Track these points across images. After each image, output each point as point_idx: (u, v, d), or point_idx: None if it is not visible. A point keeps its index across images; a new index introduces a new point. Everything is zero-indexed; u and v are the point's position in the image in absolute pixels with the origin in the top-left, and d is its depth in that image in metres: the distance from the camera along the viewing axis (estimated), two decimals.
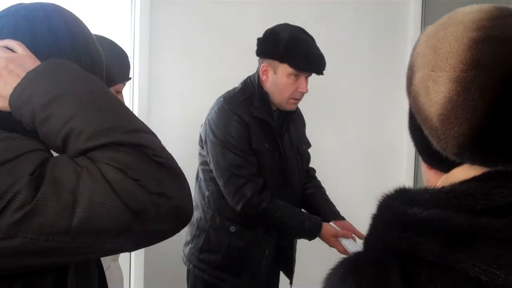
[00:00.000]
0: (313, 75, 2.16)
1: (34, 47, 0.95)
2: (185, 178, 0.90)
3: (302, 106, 3.15)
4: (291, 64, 2.07)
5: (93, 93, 0.90)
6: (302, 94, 2.14)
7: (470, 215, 0.66)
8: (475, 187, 0.68)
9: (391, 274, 0.67)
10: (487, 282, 0.63)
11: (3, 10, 1.00)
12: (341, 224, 2.18)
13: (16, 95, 0.89)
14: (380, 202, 0.76)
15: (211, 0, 2.92)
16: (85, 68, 0.99)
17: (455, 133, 0.68)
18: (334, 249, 2.12)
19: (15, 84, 0.89)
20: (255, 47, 3.02)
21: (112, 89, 1.55)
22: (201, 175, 2.23)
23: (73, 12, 1.07)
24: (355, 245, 2.04)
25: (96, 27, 1.57)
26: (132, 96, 2.82)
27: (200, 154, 2.20)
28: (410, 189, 0.74)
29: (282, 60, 2.08)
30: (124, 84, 1.62)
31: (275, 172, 2.15)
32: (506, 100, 0.65)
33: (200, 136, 2.19)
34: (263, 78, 2.15)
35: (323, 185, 2.48)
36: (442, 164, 0.74)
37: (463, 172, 0.71)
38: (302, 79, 2.11)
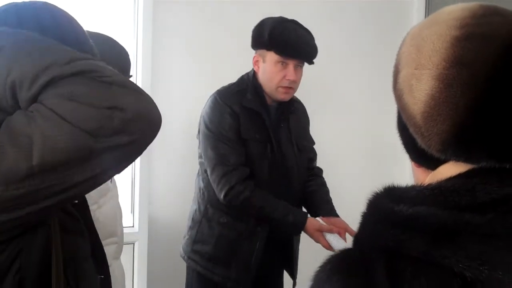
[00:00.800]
0: (312, 69, 2.17)
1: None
2: (140, 90, 0.90)
3: (306, 104, 3.18)
4: (277, 51, 2.08)
5: (23, 42, 0.89)
6: (291, 82, 2.12)
7: (455, 211, 0.66)
8: (460, 184, 0.68)
9: (376, 271, 0.67)
10: (471, 278, 0.63)
11: None
12: (333, 221, 2.16)
13: None
14: (369, 200, 0.77)
15: None
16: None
17: (438, 130, 0.68)
18: None
19: None
20: None
21: None
22: (199, 168, 2.25)
23: (64, 9, 1.07)
24: (340, 241, 2.02)
25: (99, 25, 1.59)
26: None
27: (198, 148, 2.23)
28: (399, 187, 0.75)
29: (268, 48, 2.10)
30: None
31: (266, 164, 2.15)
32: (488, 97, 0.65)
33: (198, 130, 2.22)
34: (255, 68, 2.19)
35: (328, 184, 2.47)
36: (428, 161, 0.75)
37: (449, 169, 0.72)
38: (290, 66, 2.11)
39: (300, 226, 2.09)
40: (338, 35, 3.27)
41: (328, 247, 2.01)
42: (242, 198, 2.05)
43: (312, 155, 2.47)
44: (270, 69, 2.12)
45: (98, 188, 0.99)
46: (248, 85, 2.18)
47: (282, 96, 2.16)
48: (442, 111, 0.68)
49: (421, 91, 0.70)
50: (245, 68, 2.99)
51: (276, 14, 3.04)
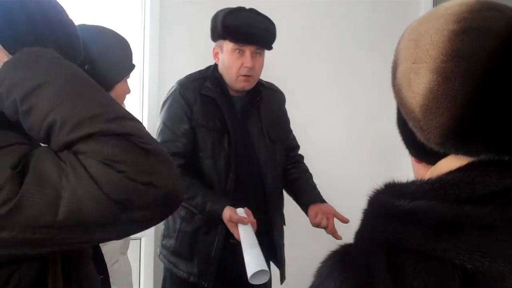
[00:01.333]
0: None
1: (14, 39, 0.94)
2: (172, 163, 0.90)
3: (311, 103, 3.17)
4: (230, 38, 2.05)
5: (72, 80, 0.89)
6: (249, 69, 2.07)
7: (455, 204, 0.66)
8: (460, 177, 0.68)
9: (377, 265, 0.67)
10: (472, 270, 0.63)
11: None
12: (321, 207, 2.11)
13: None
14: (370, 196, 0.77)
15: None
16: (64, 51, 0.99)
17: (437, 123, 0.69)
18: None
19: None
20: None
21: (123, 81, 1.58)
22: None
23: None
24: (247, 234, 1.91)
25: (106, 20, 1.59)
26: (142, 91, 2.83)
27: None
28: (399, 183, 0.75)
29: (223, 37, 2.07)
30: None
31: (222, 155, 2.09)
32: (486, 89, 0.66)
33: None
34: (215, 60, 2.16)
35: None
36: (428, 156, 0.75)
37: (449, 163, 0.72)
38: (246, 53, 2.06)
39: (216, 215, 1.99)
40: (345, 32, 3.26)
41: (239, 238, 1.93)
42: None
43: (292, 144, 2.41)
44: (227, 58, 2.08)
45: None
46: (209, 75, 2.16)
47: (242, 84, 2.11)
48: (440, 104, 0.68)
49: (420, 84, 0.70)
50: None
51: (282, 10, 3.07)
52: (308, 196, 2.23)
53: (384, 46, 3.26)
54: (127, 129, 0.85)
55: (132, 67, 1.62)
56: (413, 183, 0.73)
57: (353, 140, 3.37)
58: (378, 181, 0.78)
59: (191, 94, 2.09)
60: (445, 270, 0.65)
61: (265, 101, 2.23)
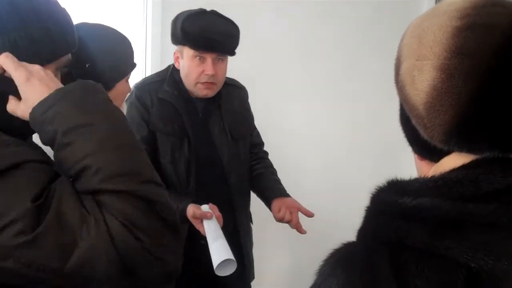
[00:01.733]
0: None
1: (2, 33, 0.95)
2: (180, 235, 0.93)
3: (318, 103, 3.16)
4: (190, 45, 1.96)
5: (117, 130, 0.92)
6: (210, 76, 1.97)
7: (458, 202, 0.66)
8: (463, 175, 0.68)
9: (380, 263, 0.67)
10: (476, 269, 0.63)
11: None
12: (284, 201, 2.05)
13: (41, 110, 0.90)
14: (372, 194, 0.77)
15: None
16: (56, 37, 0.99)
17: (441, 120, 0.68)
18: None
19: (43, 95, 0.90)
20: (266, 43, 3.04)
21: (125, 78, 1.56)
22: None
23: None
24: (211, 228, 1.86)
25: (107, 21, 1.58)
26: None
27: None
28: (402, 180, 0.75)
29: (183, 42, 1.98)
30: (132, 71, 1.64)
31: (182, 160, 2.01)
32: (490, 86, 0.65)
33: None
34: (176, 65, 2.07)
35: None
36: (431, 153, 0.74)
37: (452, 161, 0.71)
38: (208, 60, 1.96)
39: (180, 214, 1.90)
40: (348, 31, 3.25)
41: (204, 234, 1.86)
42: None
43: (256, 141, 2.34)
44: (187, 65, 1.99)
45: None
46: (166, 77, 2.07)
47: (203, 92, 2.02)
48: (444, 101, 0.67)
49: (423, 81, 0.69)
50: (252, 65, 2.99)
51: (285, 9, 3.07)
52: (271, 190, 2.15)
53: (387, 45, 3.27)
54: (155, 197, 0.87)
55: (133, 66, 1.61)
56: (416, 180, 0.73)
57: (356, 140, 3.37)
58: (381, 180, 0.78)
59: (148, 97, 2.01)
60: (449, 268, 0.64)
61: (226, 99, 2.15)
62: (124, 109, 1.67)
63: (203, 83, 1.99)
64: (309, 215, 2.02)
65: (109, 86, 1.48)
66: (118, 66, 1.51)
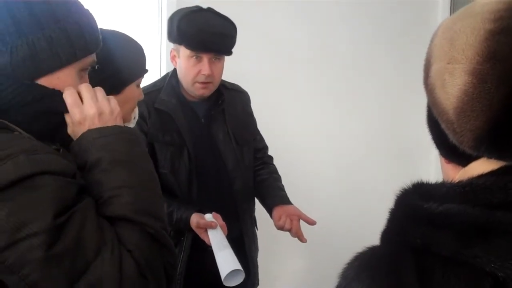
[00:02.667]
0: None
1: (20, 35, 0.96)
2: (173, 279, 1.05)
3: (330, 105, 3.14)
4: (186, 45, 1.94)
5: (149, 176, 1.05)
6: (206, 76, 1.96)
7: (486, 209, 0.65)
8: (492, 181, 0.67)
9: (406, 269, 0.66)
10: (503, 278, 0.62)
11: None
12: (285, 209, 2.03)
13: (96, 135, 1.01)
14: (397, 196, 0.76)
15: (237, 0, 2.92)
16: (74, 38, 1.01)
17: (471, 126, 0.67)
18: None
19: (94, 126, 1.02)
20: (280, 46, 3.03)
21: (135, 83, 1.55)
22: None
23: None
24: (217, 237, 1.85)
25: (124, 22, 1.58)
26: None
27: None
28: (428, 183, 0.74)
29: (179, 42, 1.96)
30: (143, 77, 1.63)
31: (183, 170, 1.99)
32: None
33: None
34: (173, 63, 2.06)
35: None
36: (459, 157, 0.73)
37: (481, 166, 0.70)
38: (204, 60, 1.95)
39: (183, 223, 1.91)
40: (362, 30, 3.23)
41: (209, 243, 1.86)
42: None
43: (260, 145, 2.31)
44: (184, 65, 1.98)
45: None
46: (163, 85, 2.05)
47: (200, 92, 2.00)
48: (475, 107, 0.66)
49: (454, 86, 0.68)
50: (267, 67, 2.97)
51: (295, 8, 3.05)
52: (272, 198, 2.13)
53: (400, 47, 3.26)
54: (167, 242, 1.00)
55: (143, 71, 1.59)
56: (443, 185, 0.72)
57: (370, 143, 3.34)
58: (398, 184, 0.77)
59: (144, 109, 1.97)
60: (475, 277, 0.63)
61: (229, 104, 2.13)
62: (136, 114, 1.66)
63: (200, 82, 1.98)
64: (311, 222, 2.00)
65: (117, 89, 1.46)
66: (126, 69, 1.49)
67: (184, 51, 1.96)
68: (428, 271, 0.65)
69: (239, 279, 1.79)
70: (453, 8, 3.28)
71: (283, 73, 3.07)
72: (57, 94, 1.01)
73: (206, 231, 1.86)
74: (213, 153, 2.05)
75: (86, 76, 1.10)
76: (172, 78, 2.06)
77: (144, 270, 0.91)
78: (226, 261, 1.78)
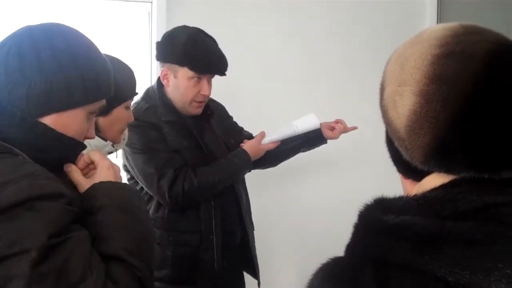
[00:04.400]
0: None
1: (41, 72, 1.03)
2: None
3: (321, 111, 3.16)
4: (191, 68, 2.01)
5: (148, 227, 1.15)
6: (205, 97, 2.08)
7: (438, 220, 0.69)
8: (442, 194, 0.72)
9: (365, 278, 0.71)
10: (453, 282, 0.66)
11: (11, 33, 1.09)
12: (323, 125, 2.34)
13: (107, 186, 1.11)
14: (360, 211, 0.80)
15: (226, 10, 2.96)
16: (89, 83, 1.08)
17: (420, 143, 0.72)
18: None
19: (100, 179, 1.12)
20: (269, 57, 3.09)
21: (123, 105, 1.59)
22: None
23: (75, 29, 1.13)
24: (277, 131, 2.21)
25: (113, 31, 1.61)
26: None
27: (128, 179, 2.14)
28: (387, 198, 0.79)
29: (181, 64, 2.02)
30: (132, 99, 1.66)
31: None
32: (466, 112, 0.69)
33: (123, 164, 2.11)
34: (164, 82, 2.09)
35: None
36: (413, 173, 0.78)
37: (433, 180, 0.75)
38: (204, 81, 2.05)
39: (246, 157, 2.13)
40: (353, 42, 3.30)
41: (274, 145, 2.20)
42: (195, 189, 1.99)
43: (247, 134, 2.43)
44: (183, 85, 2.04)
45: None
46: (156, 101, 2.09)
47: (195, 110, 2.11)
48: (423, 125, 0.71)
49: (404, 106, 0.74)
50: (255, 79, 3.01)
51: (288, 18, 3.10)
52: (301, 138, 2.32)
53: (390, 54, 3.29)
54: (141, 267, 1.04)
55: (132, 94, 1.63)
56: (400, 198, 0.77)
57: (360, 155, 3.39)
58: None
59: (156, 121, 2.04)
60: (428, 282, 0.67)
61: (216, 114, 2.26)
62: (126, 136, 1.69)
63: (197, 101, 2.07)
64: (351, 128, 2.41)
65: (106, 111, 1.48)
66: (116, 92, 1.52)
67: (185, 73, 2.02)
68: (386, 280, 0.69)
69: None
70: (440, 18, 3.36)
71: (275, 80, 3.15)
72: (69, 142, 1.10)
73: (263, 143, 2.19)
74: (204, 157, 2.12)
75: (93, 119, 1.17)
76: (162, 95, 2.10)
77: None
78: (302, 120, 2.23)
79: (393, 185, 0.95)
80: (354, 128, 2.41)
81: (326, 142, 2.40)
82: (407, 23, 3.36)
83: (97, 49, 1.14)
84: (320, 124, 2.32)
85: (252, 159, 2.15)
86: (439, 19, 3.35)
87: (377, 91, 0.76)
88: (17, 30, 1.08)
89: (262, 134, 2.20)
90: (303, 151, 2.42)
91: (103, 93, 1.14)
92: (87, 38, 1.14)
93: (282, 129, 2.23)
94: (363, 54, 3.31)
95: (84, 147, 1.16)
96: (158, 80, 2.14)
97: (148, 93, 2.15)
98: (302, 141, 2.33)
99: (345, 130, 2.37)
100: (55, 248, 0.90)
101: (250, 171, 2.23)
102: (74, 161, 1.15)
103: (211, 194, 2.07)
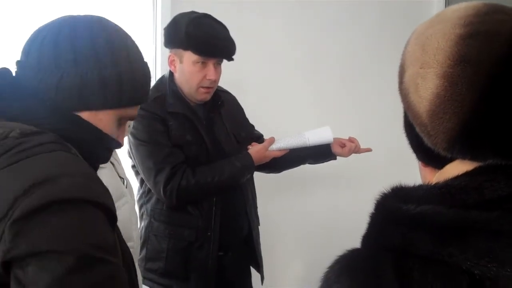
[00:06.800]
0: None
1: (76, 65, 0.97)
2: None
3: (325, 110, 3.16)
4: (194, 51, 1.97)
5: None
6: (212, 81, 2.03)
7: (462, 209, 0.66)
8: (467, 182, 0.68)
9: (384, 270, 0.67)
10: (479, 275, 0.63)
11: (51, 21, 1.03)
12: (336, 141, 2.25)
13: None
14: (377, 200, 0.77)
15: (232, 3, 2.93)
16: (125, 86, 1.01)
17: (444, 128, 0.69)
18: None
19: None
20: (275, 51, 3.06)
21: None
22: (138, 185, 2.17)
23: (119, 26, 1.08)
24: (286, 139, 2.14)
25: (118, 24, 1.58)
26: None
27: (132, 166, 2.13)
28: (406, 187, 0.75)
29: (185, 47, 1.98)
30: None
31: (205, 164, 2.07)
32: (492, 94, 0.66)
33: (128, 150, 2.11)
34: (171, 68, 2.07)
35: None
36: (435, 160, 0.75)
37: (456, 168, 0.72)
38: (209, 65, 2.00)
39: (249, 162, 2.07)
40: (357, 38, 3.25)
41: (281, 153, 2.13)
42: (192, 187, 1.97)
43: (258, 135, 2.39)
44: (188, 70, 2.00)
45: (114, 191, 1.00)
46: (166, 90, 2.07)
47: (202, 96, 2.06)
48: (447, 109, 0.68)
49: (427, 89, 0.70)
50: (262, 72, 2.98)
51: (293, 16, 3.07)
52: (310, 149, 2.23)
53: (394, 52, 3.26)
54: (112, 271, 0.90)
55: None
56: (420, 187, 0.73)
57: (370, 143, 3.34)
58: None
59: (161, 113, 2.01)
60: (453, 275, 0.64)
61: (226, 106, 2.21)
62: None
63: (204, 87, 2.02)
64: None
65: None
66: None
67: (190, 56, 1.99)
68: (406, 271, 0.66)
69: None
70: (448, 2, 3.32)
71: (280, 76, 3.10)
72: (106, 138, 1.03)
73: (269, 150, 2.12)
74: (218, 153, 2.10)
75: (125, 128, 1.10)
76: (171, 83, 2.08)
77: None
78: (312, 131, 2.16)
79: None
80: (368, 150, 2.31)
81: (335, 158, 2.33)
82: (415, 9, 3.32)
83: (139, 50, 1.08)
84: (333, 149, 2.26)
85: (256, 164, 2.11)
86: (447, 4, 3.32)
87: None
88: (58, 18, 1.03)
89: (271, 140, 2.15)
90: (309, 163, 2.38)
91: (137, 99, 1.07)
92: (130, 37, 1.08)
93: (293, 138, 2.16)
94: (372, 42, 3.27)
95: (120, 146, 1.09)
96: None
97: (161, 81, 2.14)
98: (310, 153, 2.27)
99: (357, 150, 2.27)
100: (93, 263, 0.81)
101: (252, 174, 2.19)
102: (105, 161, 1.09)
103: (211, 194, 2.05)
